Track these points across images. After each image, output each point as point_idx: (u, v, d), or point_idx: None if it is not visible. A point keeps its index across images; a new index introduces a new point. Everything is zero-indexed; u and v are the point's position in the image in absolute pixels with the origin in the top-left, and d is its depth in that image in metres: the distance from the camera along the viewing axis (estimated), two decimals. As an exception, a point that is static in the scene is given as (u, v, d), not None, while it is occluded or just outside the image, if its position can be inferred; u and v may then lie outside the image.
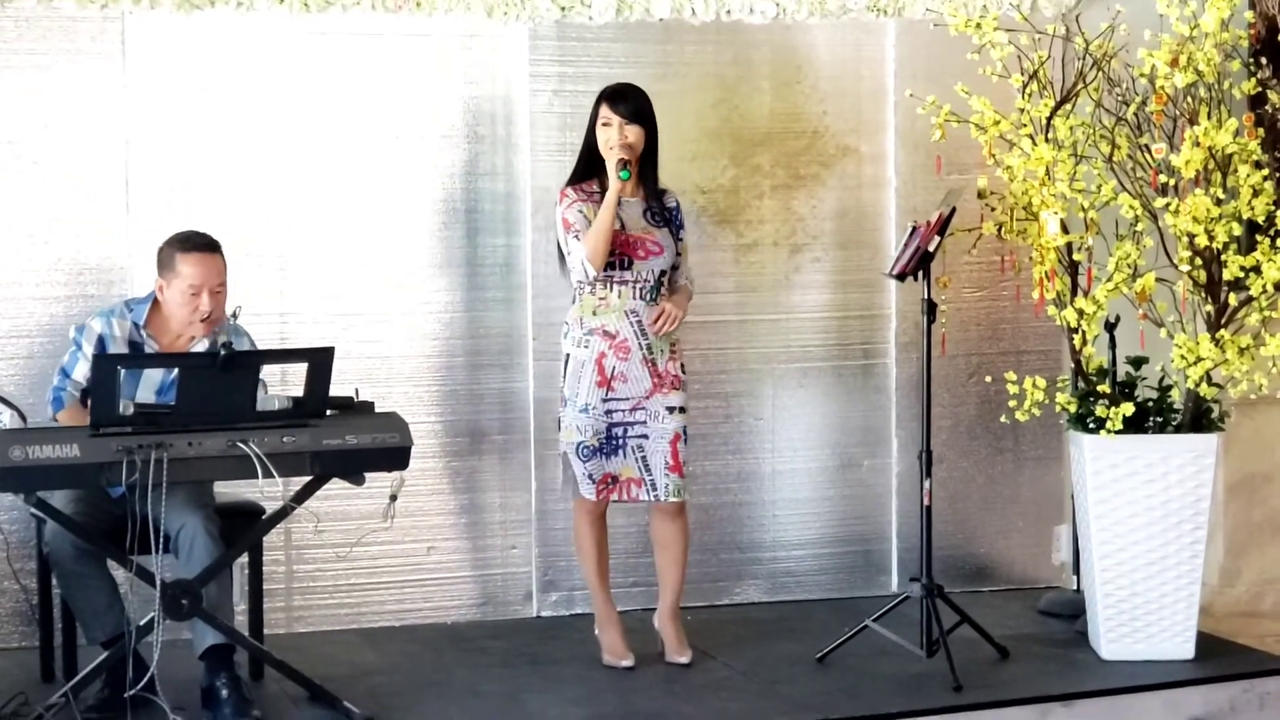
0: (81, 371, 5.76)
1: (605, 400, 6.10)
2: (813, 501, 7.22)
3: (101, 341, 5.75)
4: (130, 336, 5.79)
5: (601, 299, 6.10)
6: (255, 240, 6.52)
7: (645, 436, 6.13)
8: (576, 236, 6.05)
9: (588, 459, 6.11)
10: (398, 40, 6.69)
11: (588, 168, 6.18)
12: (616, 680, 6.08)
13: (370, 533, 6.09)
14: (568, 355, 6.15)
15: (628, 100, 6.10)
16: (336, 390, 5.61)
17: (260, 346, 6.02)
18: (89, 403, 5.46)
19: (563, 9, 6.76)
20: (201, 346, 5.77)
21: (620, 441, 6.13)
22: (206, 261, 5.77)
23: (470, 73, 6.79)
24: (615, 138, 6.06)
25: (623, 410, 6.12)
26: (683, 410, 6.19)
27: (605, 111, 6.10)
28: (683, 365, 6.23)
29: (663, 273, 6.16)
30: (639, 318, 6.11)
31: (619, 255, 6.06)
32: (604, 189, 6.08)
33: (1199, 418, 6.25)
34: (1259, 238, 6.14)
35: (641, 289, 6.12)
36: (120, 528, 5.36)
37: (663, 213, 6.20)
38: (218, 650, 5.58)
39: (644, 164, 6.14)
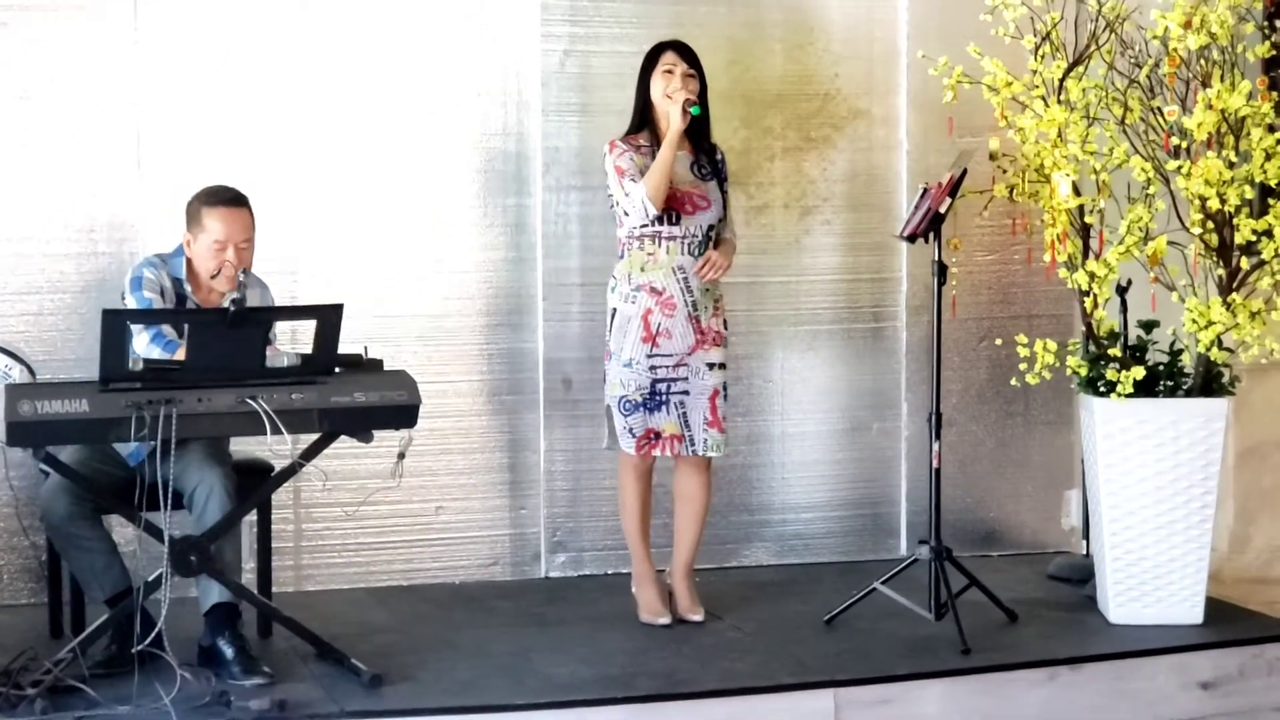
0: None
1: (650, 356, 6.11)
2: (822, 464, 7.22)
3: (161, 290, 5.75)
4: (174, 290, 5.79)
5: (650, 254, 6.11)
6: (265, 199, 6.45)
7: (687, 393, 6.15)
8: (633, 179, 6.06)
9: (630, 413, 6.12)
10: (410, 1, 6.67)
11: (640, 121, 6.19)
12: (624, 640, 6.08)
13: (378, 491, 6.09)
14: (614, 310, 6.17)
15: (687, 51, 6.17)
16: (345, 349, 5.61)
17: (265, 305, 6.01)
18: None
19: (575, -31, 6.76)
20: (228, 301, 5.76)
21: (664, 398, 6.14)
22: (233, 216, 5.77)
23: (482, 32, 6.77)
24: (679, 82, 6.09)
25: (666, 366, 6.13)
26: (723, 366, 6.23)
27: (670, 57, 6.15)
28: (725, 322, 6.24)
29: (710, 227, 6.18)
30: (685, 274, 6.12)
31: (667, 210, 6.06)
32: (655, 142, 6.14)
33: (1210, 382, 6.23)
34: (1271, 201, 6.11)
35: (689, 244, 6.13)
36: (127, 486, 5.37)
37: (711, 165, 6.21)
38: (223, 608, 5.58)
39: (695, 120, 6.14)
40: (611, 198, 6.19)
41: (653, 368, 6.13)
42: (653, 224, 6.07)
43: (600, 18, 6.85)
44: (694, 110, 6.05)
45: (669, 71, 6.13)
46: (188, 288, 5.79)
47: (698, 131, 6.18)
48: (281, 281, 6.45)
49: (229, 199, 5.80)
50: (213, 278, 5.77)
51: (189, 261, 5.80)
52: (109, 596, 5.61)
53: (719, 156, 6.29)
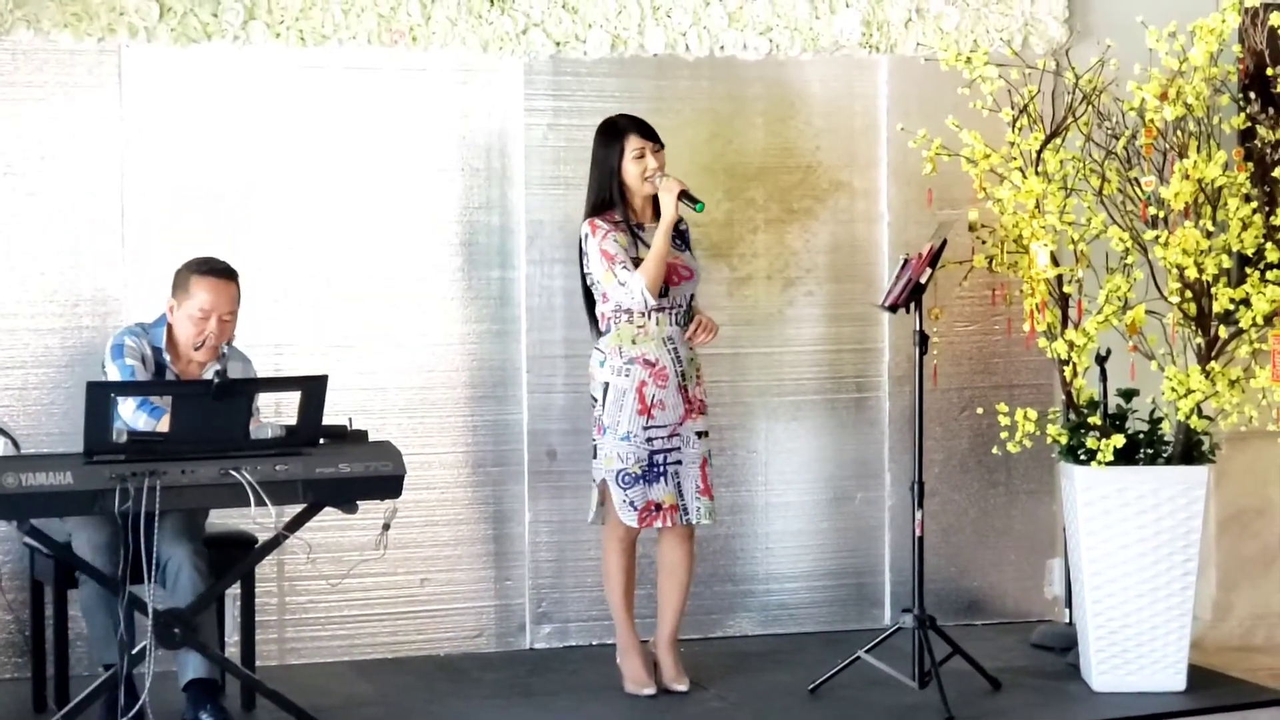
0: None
1: (646, 428, 6.14)
2: (806, 534, 7.23)
3: (142, 358, 5.78)
4: (155, 359, 5.82)
5: (640, 327, 6.15)
6: (250, 271, 6.49)
7: (680, 462, 6.19)
8: (625, 266, 6.10)
9: (629, 486, 6.14)
10: (393, 75, 6.72)
11: (606, 199, 6.23)
12: (610, 712, 6.08)
13: (363, 563, 6.10)
14: (606, 384, 6.19)
15: (649, 128, 6.24)
16: (329, 421, 5.63)
17: (249, 377, 6.03)
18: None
19: (557, 44, 6.80)
20: (210, 373, 5.77)
21: (661, 469, 6.17)
22: (220, 288, 5.82)
23: (465, 107, 6.82)
24: (653, 165, 6.16)
25: (661, 437, 6.17)
26: (707, 434, 6.25)
27: (637, 142, 6.20)
28: (705, 390, 6.29)
29: (692, 296, 6.26)
30: (675, 344, 6.18)
31: None
32: (626, 219, 6.20)
33: (1190, 450, 6.26)
34: (1248, 270, 6.17)
35: (676, 314, 6.20)
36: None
37: (681, 236, 6.27)
38: (202, 683, 5.57)
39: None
40: (589, 276, 6.22)
41: (649, 439, 6.16)
42: (639, 309, 6.13)
43: (583, 92, 6.90)
44: (698, 208, 6.14)
45: (641, 156, 6.19)
46: (167, 357, 5.81)
47: (658, 204, 6.24)
48: (266, 354, 6.47)
49: (219, 270, 5.86)
50: (196, 349, 5.80)
51: (169, 330, 5.83)
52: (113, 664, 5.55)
53: (684, 226, 6.34)
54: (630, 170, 6.20)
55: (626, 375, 6.17)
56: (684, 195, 6.14)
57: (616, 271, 6.11)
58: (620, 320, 6.19)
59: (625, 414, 6.16)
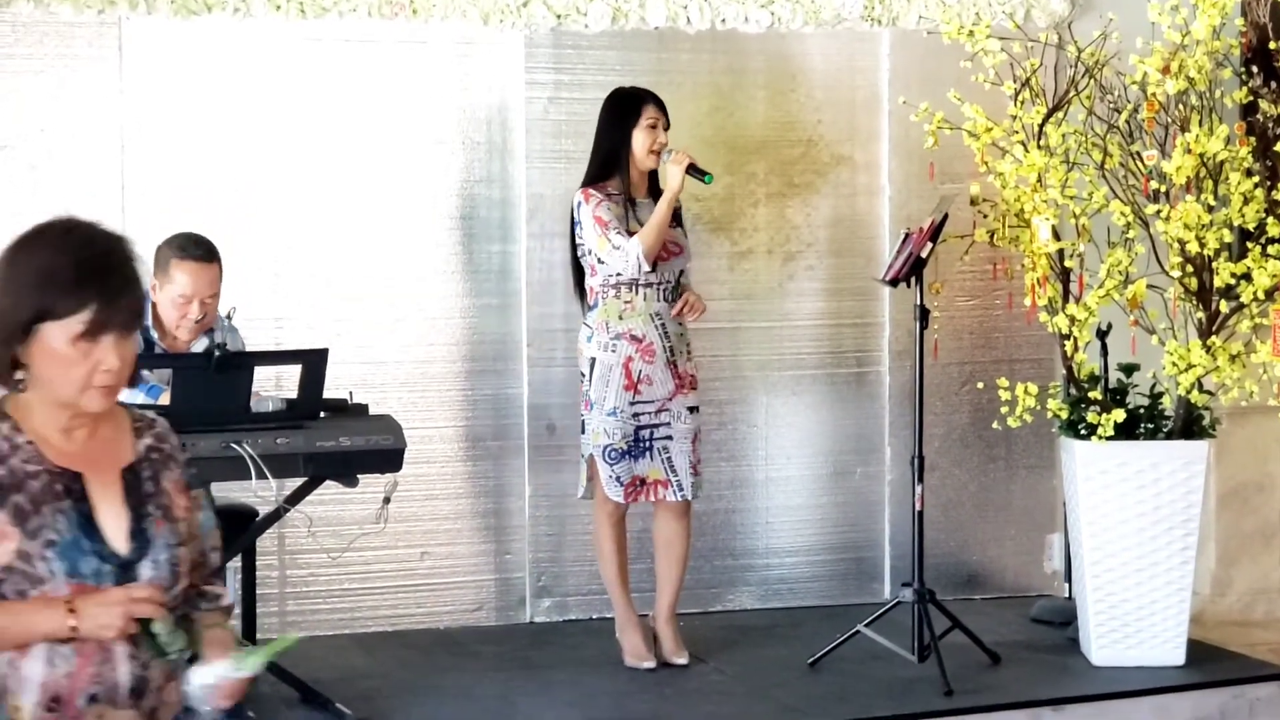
0: None
1: (633, 404, 6.14)
2: (806, 509, 7.23)
3: None
4: (141, 335, 5.80)
5: (627, 303, 6.15)
6: (250, 245, 6.53)
7: (670, 438, 6.19)
8: (618, 231, 6.10)
9: (615, 462, 6.14)
10: (393, 47, 6.71)
11: (605, 168, 6.24)
12: (609, 684, 6.10)
13: (363, 536, 6.11)
14: (593, 359, 6.19)
15: (664, 104, 6.25)
16: (330, 395, 5.63)
17: (253, 349, 6.03)
18: None
19: (558, 16, 6.79)
20: (201, 346, 5.77)
21: (647, 444, 6.17)
22: (201, 272, 5.71)
23: (466, 80, 6.81)
24: (662, 138, 6.17)
25: (649, 413, 6.17)
26: (698, 410, 6.26)
27: (653, 112, 6.21)
28: (696, 365, 6.29)
29: (681, 272, 6.25)
30: (663, 320, 6.18)
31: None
32: (623, 190, 6.20)
33: (1190, 425, 6.27)
34: (1249, 245, 6.17)
35: (664, 290, 6.19)
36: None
37: (675, 214, 6.26)
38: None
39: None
40: (582, 245, 6.22)
41: (636, 415, 6.16)
42: (633, 274, 6.12)
43: (584, 65, 6.89)
44: (707, 179, 6.15)
45: (653, 126, 6.19)
46: (154, 333, 5.80)
47: (655, 179, 6.26)
48: (266, 328, 6.47)
49: (199, 254, 5.71)
50: (178, 328, 5.78)
51: (154, 306, 5.81)
52: None
53: (678, 203, 6.35)
54: (639, 140, 6.19)
55: (613, 350, 6.17)
56: (692, 168, 6.13)
57: (610, 236, 6.10)
58: (608, 295, 6.19)
59: (612, 389, 6.15)
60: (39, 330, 3.03)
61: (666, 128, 6.24)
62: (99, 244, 3.12)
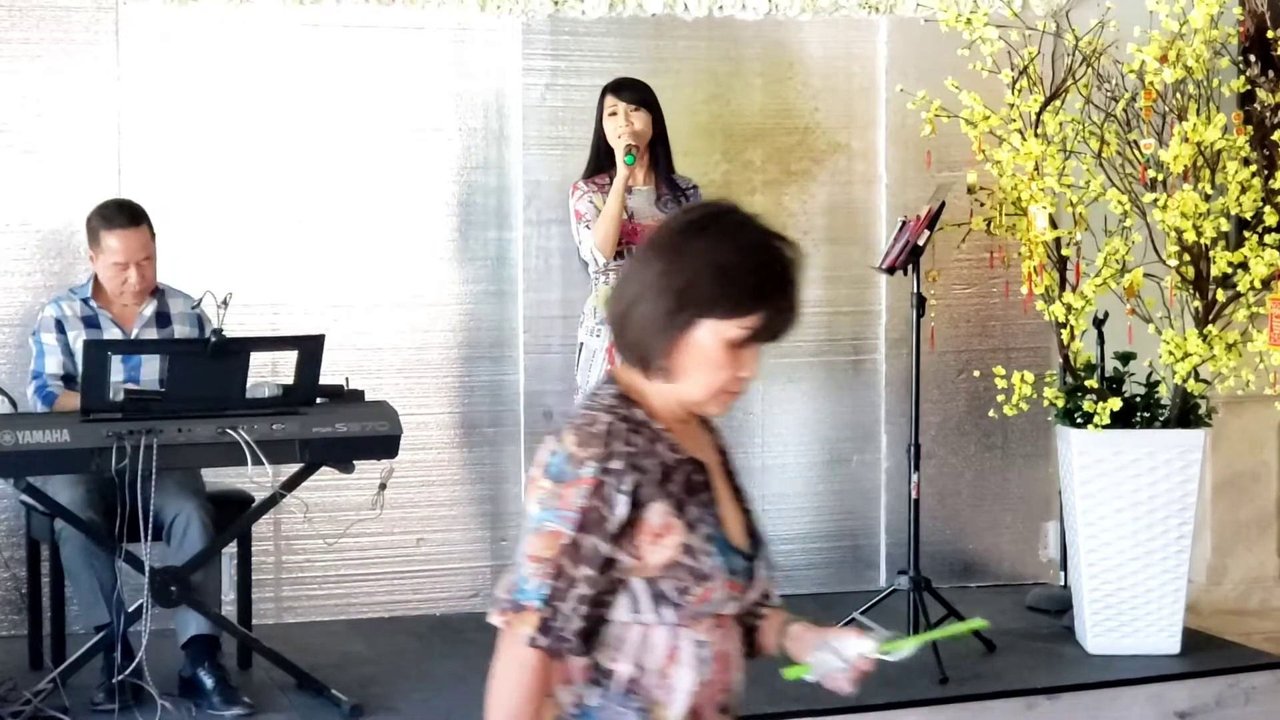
0: (53, 364, 5.77)
1: None
2: (802, 496, 7.23)
3: (59, 325, 5.77)
4: (81, 313, 5.81)
5: None
6: (246, 230, 6.53)
7: None
8: (587, 226, 6.18)
9: None
10: (390, 33, 6.70)
11: (598, 162, 6.28)
12: (604, 671, 6.08)
13: (359, 522, 6.10)
14: (581, 344, 6.23)
15: (632, 88, 6.28)
16: (326, 382, 5.63)
17: (246, 336, 6.02)
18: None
19: (556, 3, 6.78)
20: (150, 310, 5.79)
21: None
22: (129, 236, 5.78)
23: (463, 66, 6.80)
24: (623, 125, 6.19)
25: None
26: None
27: (610, 101, 6.26)
28: None
29: None
30: None
31: (626, 244, 6.11)
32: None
33: (1186, 413, 6.27)
34: (1246, 234, 6.17)
35: None
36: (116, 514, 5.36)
37: (677, 201, 6.25)
38: (202, 640, 5.58)
39: (654, 152, 6.26)
40: (576, 236, 6.30)
41: None
42: (613, 259, 6.13)
43: (581, 52, 6.88)
44: (629, 160, 6.15)
45: (613, 114, 6.22)
46: (95, 305, 5.80)
47: (659, 164, 6.27)
48: (263, 313, 6.47)
49: (124, 220, 5.79)
50: (133, 293, 5.80)
51: (95, 279, 5.83)
52: (101, 624, 5.55)
53: (688, 188, 6.34)
54: (606, 128, 6.25)
55: (598, 336, 6.19)
56: (629, 150, 6.17)
57: (579, 230, 6.22)
58: (599, 282, 6.20)
59: (595, 374, 6.16)
60: (696, 324, 2.84)
61: (636, 110, 6.24)
62: (779, 249, 2.86)
